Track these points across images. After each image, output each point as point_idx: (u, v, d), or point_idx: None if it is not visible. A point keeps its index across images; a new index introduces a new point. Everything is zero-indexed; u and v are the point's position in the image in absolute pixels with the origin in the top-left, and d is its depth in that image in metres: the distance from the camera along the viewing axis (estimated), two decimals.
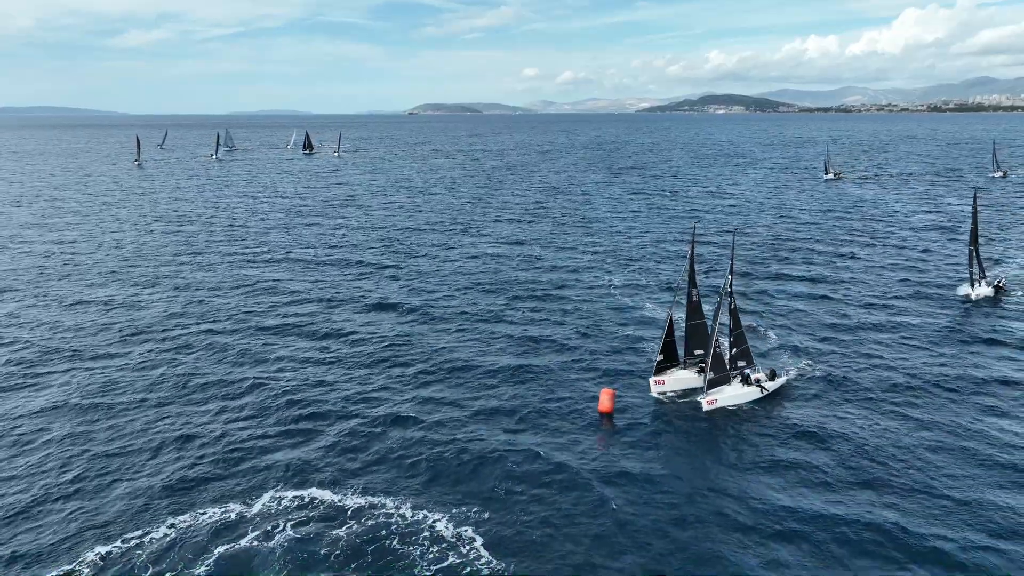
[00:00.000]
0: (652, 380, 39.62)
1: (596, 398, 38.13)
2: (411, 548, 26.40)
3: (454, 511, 28.67)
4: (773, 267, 70.10)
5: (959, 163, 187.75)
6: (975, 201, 59.31)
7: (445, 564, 25.53)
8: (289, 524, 27.63)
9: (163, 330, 51.11)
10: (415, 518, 28.22)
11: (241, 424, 36.45)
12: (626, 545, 26.61)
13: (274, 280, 65.49)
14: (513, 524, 27.81)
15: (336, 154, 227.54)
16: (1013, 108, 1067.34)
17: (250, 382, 41.76)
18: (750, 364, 39.97)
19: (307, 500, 29.48)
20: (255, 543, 26.50)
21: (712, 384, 38.04)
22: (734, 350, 39.53)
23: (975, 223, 56.81)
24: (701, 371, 39.64)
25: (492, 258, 75.08)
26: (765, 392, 38.67)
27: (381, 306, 57.57)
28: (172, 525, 27.65)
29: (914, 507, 28.79)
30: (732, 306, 39.35)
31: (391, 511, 28.72)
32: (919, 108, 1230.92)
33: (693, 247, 40.20)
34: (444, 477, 31.43)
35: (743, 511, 28.67)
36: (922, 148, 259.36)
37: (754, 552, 26.17)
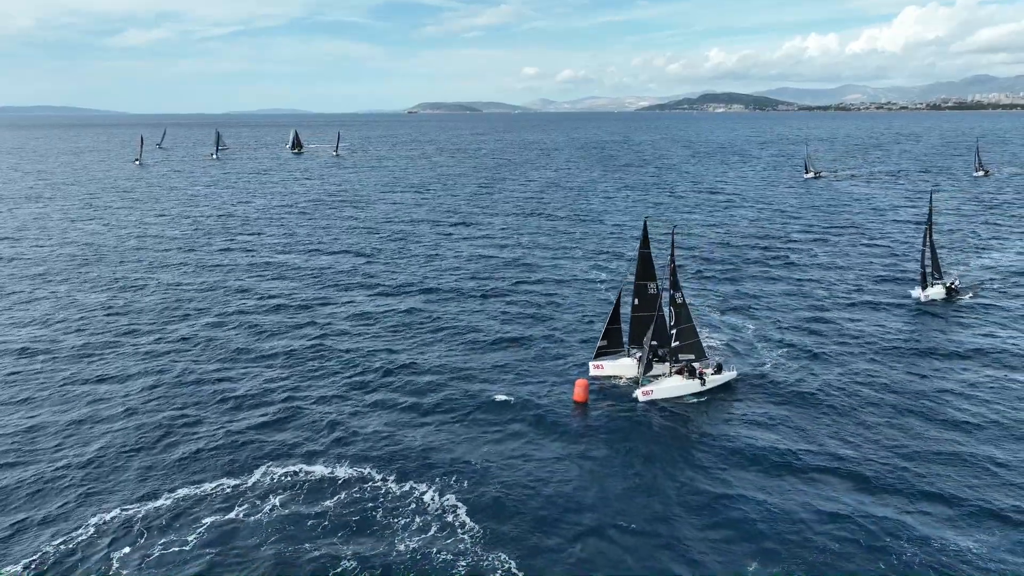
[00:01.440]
0: (591, 364, 40.62)
1: (573, 381, 39.36)
2: (398, 518, 27.76)
3: (439, 482, 30.05)
4: (742, 260, 71.34)
5: (949, 161, 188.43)
6: (931, 204, 59.28)
7: (429, 533, 26.91)
8: (278, 497, 28.97)
9: (167, 315, 52.63)
10: (402, 489, 29.58)
11: (236, 402, 37.73)
12: (599, 510, 28.03)
13: (275, 270, 66.90)
14: (494, 495, 29.07)
15: (335, 153, 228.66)
16: (1012, 106, 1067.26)
17: (246, 364, 43.15)
18: (700, 358, 39.73)
19: (298, 474, 30.81)
20: (244, 515, 27.79)
21: (649, 370, 38.25)
22: (677, 343, 39.42)
23: (930, 225, 56.12)
24: (661, 362, 39.79)
25: (487, 250, 76.43)
26: (705, 386, 38.42)
27: (375, 294, 58.90)
28: (167, 497, 28.97)
29: (873, 464, 30.38)
30: (679, 300, 39.27)
31: (379, 483, 30.10)
32: (918, 106, 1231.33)
33: (645, 242, 40.40)
34: (428, 451, 32.69)
35: (706, 477, 30.22)
36: (915, 146, 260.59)
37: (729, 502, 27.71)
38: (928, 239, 55.98)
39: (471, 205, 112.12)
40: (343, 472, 30.99)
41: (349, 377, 41.66)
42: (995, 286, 60.56)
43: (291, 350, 46.05)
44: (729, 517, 27.74)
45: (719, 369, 39.50)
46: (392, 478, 30.46)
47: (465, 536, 26.61)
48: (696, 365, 39.35)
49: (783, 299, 57.60)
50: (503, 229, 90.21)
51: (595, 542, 26.35)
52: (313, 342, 47.61)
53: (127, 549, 25.64)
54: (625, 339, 41.34)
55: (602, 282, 62.78)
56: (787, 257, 72.75)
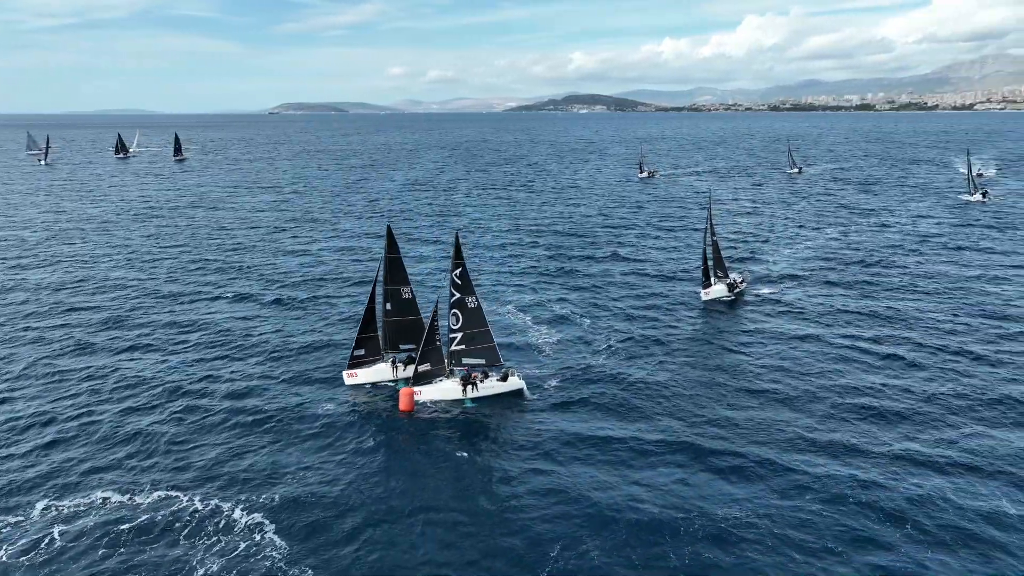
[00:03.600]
0: (345, 373, 39.02)
1: (397, 391, 38.07)
2: (202, 539, 25.89)
3: (248, 499, 28.27)
4: (569, 257, 72.53)
5: (777, 157, 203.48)
6: (710, 204, 59.62)
7: (236, 552, 25.29)
8: (60, 528, 26.14)
9: None
10: (207, 509, 27.60)
11: (19, 423, 33.95)
12: (414, 517, 27.58)
13: (90, 282, 61.09)
14: (307, 510, 27.75)
15: (177, 157, 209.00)
16: (837, 108, 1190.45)
17: (29, 383, 39.06)
18: (493, 362, 38.38)
19: (89, 503, 27.94)
20: (13, 557, 24.92)
21: (423, 376, 37.39)
22: (462, 346, 38.18)
23: (710, 224, 55.41)
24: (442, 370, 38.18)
25: (329, 253, 74.07)
26: (477, 392, 37.25)
27: (197, 303, 55.22)
28: None
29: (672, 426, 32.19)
30: (472, 304, 38.09)
31: (184, 504, 27.91)
32: (760, 107, 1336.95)
33: (391, 247, 39.26)
34: (238, 467, 30.85)
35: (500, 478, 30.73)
36: (753, 144, 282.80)
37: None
38: (708, 238, 55.67)
39: (325, 208, 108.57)
40: (143, 493, 28.52)
41: (151, 390, 38.76)
42: (784, 279, 62.61)
43: (90, 364, 42.39)
44: (545, 510, 28.12)
45: (505, 377, 37.98)
46: (198, 497, 28.41)
47: (273, 553, 25.21)
48: (473, 372, 38.00)
49: (597, 292, 59.17)
50: (351, 230, 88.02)
51: (407, 549, 25.86)
52: (114, 353, 44.11)
53: None
54: (382, 345, 40.06)
55: (436, 285, 62.39)
56: (609, 253, 74.42)
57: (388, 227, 40.17)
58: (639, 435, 33.79)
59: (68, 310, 53.97)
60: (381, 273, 39.59)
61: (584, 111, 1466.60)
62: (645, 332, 48.70)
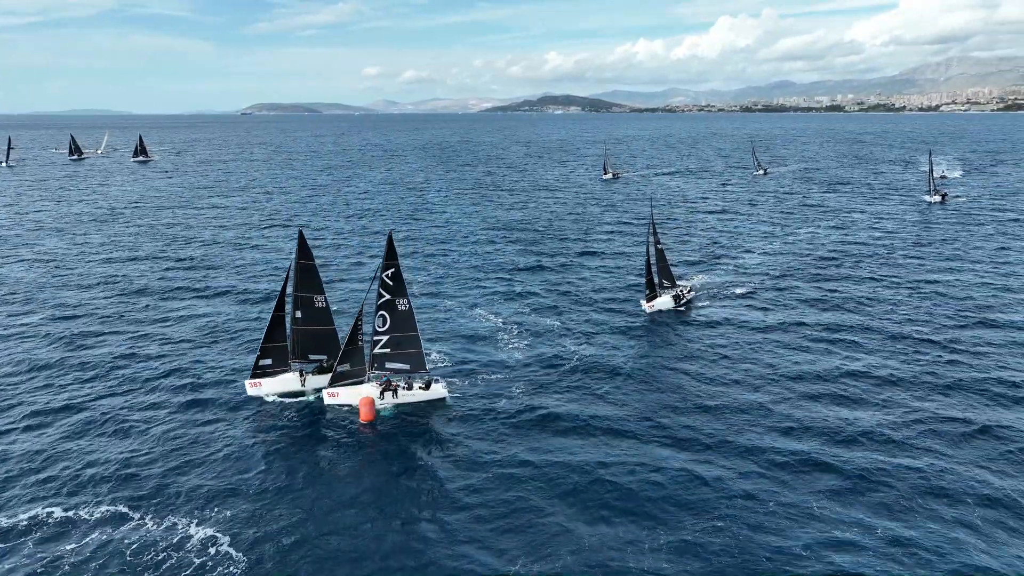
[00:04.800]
0: (248, 383, 37.47)
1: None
2: (154, 556, 25.18)
3: (199, 514, 27.50)
4: (534, 254, 72.59)
5: (746, 159, 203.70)
6: (652, 216, 56.27)
7: (190, 568, 24.70)
8: None
9: None
10: (161, 526, 26.76)
11: None
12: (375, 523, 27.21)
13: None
14: (256, 522, 27.12)
15: (141, 158, 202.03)
16: (808, 109, 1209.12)
17: None
18: (418, 368, 37.22)
19: (29, 520, 27.04)
20: None
21: (341, 377, 36.41)
22: (387, 350, 37.06)
23: (654, 234, 52.82)
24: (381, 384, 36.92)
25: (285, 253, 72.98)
26: (396, 398, 36.15)
27: (157, 300, 54.24)
28: None
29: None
30: (402, 307, 36.99)
31: (135, 520, 27.07)
32: (733, 108, 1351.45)
33: (303, 254, 37.82)
34: (187, 483, 29.91)
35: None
36: (723, 144, 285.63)
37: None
38: (652, 248, 52.81)
39: (298, 208, 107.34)
40: (87, 512, 27.53)
41: (96, 391, 38.10)
42: (744, 276, 62.80)
43: (17, 377, 41.28)
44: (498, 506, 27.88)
45: (428, 385, 36.84)
46: (150, 515, 27.59)
47: (232, 569, 24.66)
48: (394, 380, 37.05)
49: (565, 288, 59.31)
50: (318, 229, 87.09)
51: (361, 548, 25.48)
52: (44, 367, 42.87)
53: None
54: (290, 354, 38.60)
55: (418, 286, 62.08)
56: (576, 251, 74.52)
57: (300, 233, 38.62)
58: (605, 426, 34.34)
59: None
60: (291, 280, 37.85)
61: (559, 112, 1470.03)
62: (612, 325, 49.18)
